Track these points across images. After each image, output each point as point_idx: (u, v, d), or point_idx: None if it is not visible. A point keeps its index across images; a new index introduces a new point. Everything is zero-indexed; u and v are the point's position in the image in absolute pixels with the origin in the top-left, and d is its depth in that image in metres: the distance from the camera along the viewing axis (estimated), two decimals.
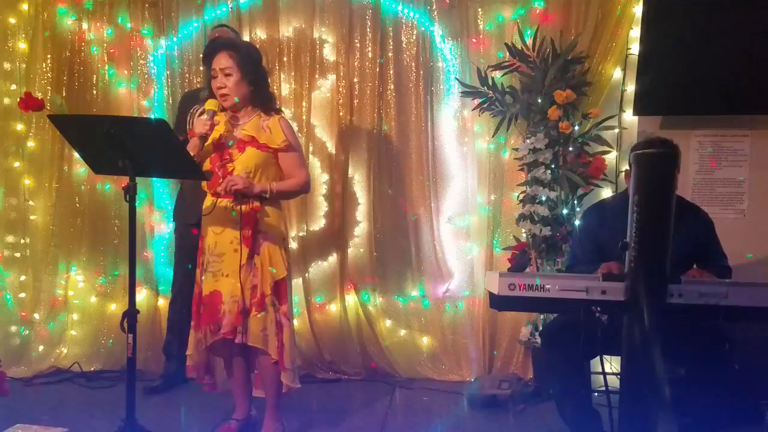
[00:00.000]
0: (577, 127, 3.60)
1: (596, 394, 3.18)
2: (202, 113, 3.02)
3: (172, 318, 3.70)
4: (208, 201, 2.84)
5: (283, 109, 3.12)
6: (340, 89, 3.89)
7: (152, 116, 3.87)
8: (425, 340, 3.94)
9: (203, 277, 2.84)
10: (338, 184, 3.91)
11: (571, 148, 3.59)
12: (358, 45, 3.89)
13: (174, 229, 3.76)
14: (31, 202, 4.01)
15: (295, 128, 3.22)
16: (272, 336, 2.79)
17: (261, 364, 2.85)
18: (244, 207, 2.75)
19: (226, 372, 2.98)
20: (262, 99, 2.86)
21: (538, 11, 3.71)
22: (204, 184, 2.85)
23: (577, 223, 3.45)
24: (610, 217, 2.86)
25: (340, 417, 3.30)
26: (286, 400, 2.99)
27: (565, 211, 3.58)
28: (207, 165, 2.82)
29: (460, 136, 3.90)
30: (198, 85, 3.86)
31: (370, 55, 3.87)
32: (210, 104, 2.77)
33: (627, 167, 2.94)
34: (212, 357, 2.95)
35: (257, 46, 3.07)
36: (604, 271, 2.52)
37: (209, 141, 2.79)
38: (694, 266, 2.61)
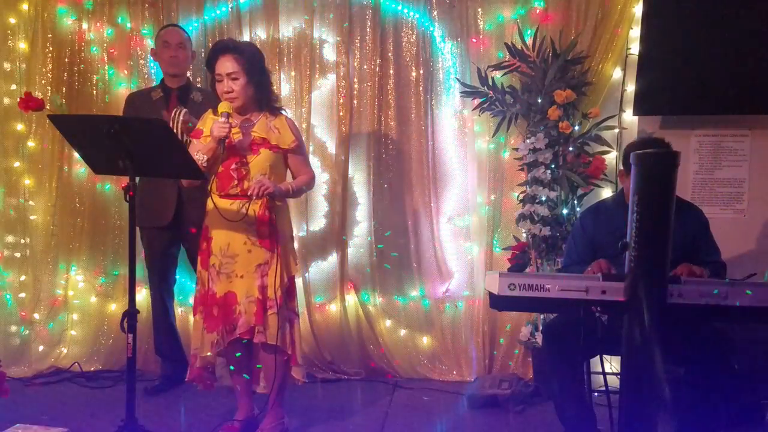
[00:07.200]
0: (577, 127, 3.60)
1: (596, 394, 3.19)
2: (184, 113, 3.03)
3: (157, 320, 3.71)
4: (224, 203, 2.81)
5: (284, 109, 3.12)
6: (340, 89, 3.89)
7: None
8: (425, 340, 3.94)
9: (216, 279, 2.83)
10: (338, 184, 3.91)
11: (571, 148, 3.59)
12: (358, 45, 3.88)
13: (140, 235, 3.55)
14: (31, 202, 4.00)
15: None
16: (287, 333, 2.85)
17: (270, 360, 2.84)
18: (259, 207, 2.79)
19: (231, 372, 2.98)
20: (267, 100, 2.88)
21: (538, 11, 3.71)
22: (213, 186, 2.83)
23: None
24: (606, 219, 2.87)
25: (340, 417, 3.30)
26: (287, 399, 3.01)
27: (565, 211, 3.58)
28: (219, 168, 2.81)
29: (460, 136, 3.90)
30: (199, 85, 3.85)
31: (369, 55, 3.87)
32: (223, 107, 2.75)
33: (622, 167, 2.94)
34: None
35: (257, 47, 3.07)
36: (593, 270, 2.54)
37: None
38: (684, 264, 2.60)
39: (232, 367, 2.94)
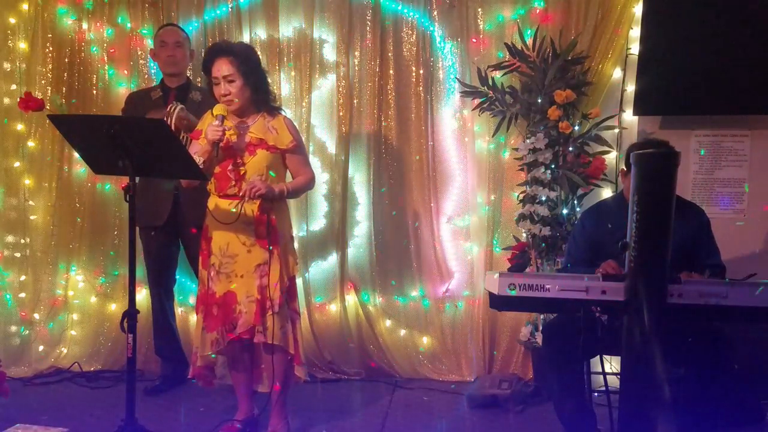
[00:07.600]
0: (577, 127, 3.60)
1: (596, 394, 3.19)
2: (180, 109, 3.03)
3: (156, 321, 3.70)
4: (222, 204, 2.82)
5: (283, 108, 3.12)
6: (340, 89, 3.88)
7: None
8: (425, 340, 3.94)
9: (216, 279, 2.84)
10: (338, 184, 3.91)
11: (571, 148, 3.58)
12: (358, 45, 3.88)
13: (139, 235, 3.48)
14: (31, 202, 4.00)
15: None
16: (289, 332, 2.86)
17: (274, 360, 2.84)
18: (256, 208, 2.79)
19: (231, 372, 2.99)
20: (265, 100, 2.88)
21: (538, 11, 3.71)
22: (212, 187, 2.85)
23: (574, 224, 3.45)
24: (606, 219, 2.87)
25: (340, 417, 3.30)
26: (288, 398, 3.01)
27: (565, 211, 3.58)
28: (217, 169, 2.82)
29: (460, 136, 3.90)
30: (200, 84, 3.85)
31: (370, 55, 3.86)
32: (218, 109, 2.76)
33: (623, 167, 2.94)
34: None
35: (253, 47, 3.09)
36: (602, 271, 2.54)
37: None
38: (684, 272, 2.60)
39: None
